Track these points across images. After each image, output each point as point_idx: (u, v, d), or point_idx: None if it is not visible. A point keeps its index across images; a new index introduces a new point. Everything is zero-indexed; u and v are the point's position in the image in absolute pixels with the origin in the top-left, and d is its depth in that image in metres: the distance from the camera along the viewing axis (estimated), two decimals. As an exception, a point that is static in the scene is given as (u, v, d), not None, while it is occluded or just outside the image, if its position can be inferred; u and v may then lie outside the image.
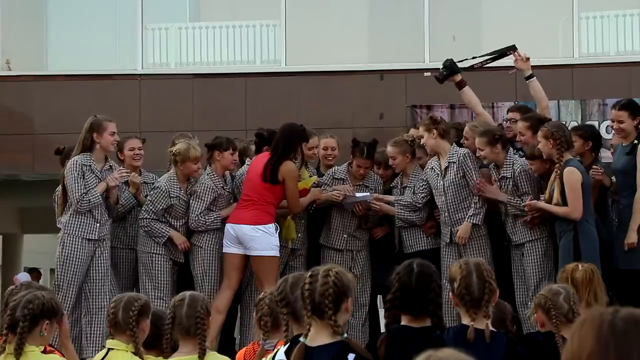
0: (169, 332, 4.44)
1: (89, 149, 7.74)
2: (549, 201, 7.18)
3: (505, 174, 7.57)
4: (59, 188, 7.85)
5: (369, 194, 8.06)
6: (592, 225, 7.11)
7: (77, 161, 7.68)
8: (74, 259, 7.65)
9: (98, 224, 7.75)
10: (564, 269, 5.36)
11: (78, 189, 7.65)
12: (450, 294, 4.25)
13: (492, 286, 4.18)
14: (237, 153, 8.15)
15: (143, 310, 4.63)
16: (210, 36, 13.62)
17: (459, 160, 7.64)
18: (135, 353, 4.58)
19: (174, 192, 7.94)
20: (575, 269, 5.28)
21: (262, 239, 7.63)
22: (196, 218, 7.89)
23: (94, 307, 7.68)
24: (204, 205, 7.90)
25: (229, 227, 7.76)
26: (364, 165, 8.10)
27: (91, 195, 7.67)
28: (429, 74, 12.52)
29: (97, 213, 7.76)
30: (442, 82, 8.21)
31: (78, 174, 7.65)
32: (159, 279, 7.89)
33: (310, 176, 8.17)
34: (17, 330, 4.37)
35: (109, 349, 4.62)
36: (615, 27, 13.00)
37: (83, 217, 7.70)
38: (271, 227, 7.68)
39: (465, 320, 4.17)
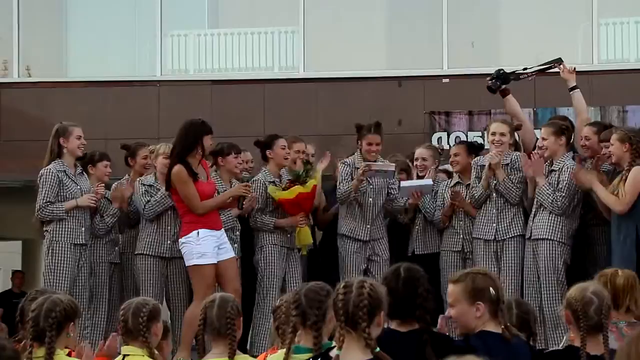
0: (201, 333, 4.45)
1: (58, 156, 7.74)
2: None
3: (554, 168, 7.62)
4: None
5: (430, 180, 8.04)
6: None
7: (51, 170, 7.69)
8: (65, 265, 7.66)
9: (83, 228, 7.77)
10: (602, 273, 5.27)
11: (45, 197, 7.65)
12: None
13: (502, 293, 4.25)
14: (241, 155, 8.17)
15: (152, 315, 4.65)
16: (229, 43, 13.65)
17: (511, 160, 7.77)
18: (151, 357, 4.60)
19: (148, 184, 8.01)
20: (615, 275, 5.20)
21: (184, 251, 7.55)
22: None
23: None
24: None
25: None
26: (374, 142, 8.07)
27: (56, 207, 7.69)
28: (447, 80, 12.58)
29: (82, 217, 7.77)
30: (495, 92, 8.26)
31: (53, 182, 7.66)
32: (146, 282, 7.91)
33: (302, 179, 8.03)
34: (46, 340, 4.39)
35: (124, 355, 4.63)
36: (635, 34, 12.93)
37: (69, 223, 7.71)
38: (190, 235, 7.50)
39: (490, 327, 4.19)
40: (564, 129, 7.58)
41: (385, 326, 3.90)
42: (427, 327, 4.16)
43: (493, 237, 7.69)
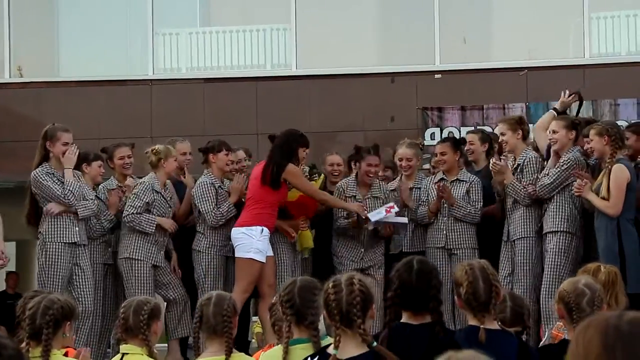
0: (197, 331, 4.43)
1: (46, 158, 7.71)
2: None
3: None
4: (27, 200, 7.81)
5: (406, 219, 8.01)
6: (632, 226, 7.13)
7: (38, 173, 7.66)
8: (58, 265, 7.61)
9: (77, 227, 7.72)
10: (585, 268, 5.25)
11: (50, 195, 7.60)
12: (456, 297, 4.25)
13: (497, 289, 4.18)
14: (231, 154, 8.13)
15: (153, 314, 4.64)
16: (221, 41, 13.64)
17: (523, 162, 7.75)
18: (150, 355, 4.60)
19: (156, 186, 7.94)
20: (597, 270, 5.17)
21: (242, 242, 7.61)
22: (212, 215, 7.89)
23: (81, 312, 7.58)
24: (212, 201, 7.92)
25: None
26: (374, 163, 8.06)
27: (48, 207, 7.64)
28: (439, 75, 12.60)
29: (75, 216, 7.72)
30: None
31: (52, 182, 7.63)
32: (137, 286, 7.84)
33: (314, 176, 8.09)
34: (43, 337, 4.38)
35: (123, 354, 4.63)
36: (626, 27, 12.96)
37: (62, 222, 7.66)
38: (254, 229, 7.60)
39: (473, 322, 4.17)
40: (577, 123, 7.62)
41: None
42: (439, 319, 4.18)
43: (506, 237, 7.76)
